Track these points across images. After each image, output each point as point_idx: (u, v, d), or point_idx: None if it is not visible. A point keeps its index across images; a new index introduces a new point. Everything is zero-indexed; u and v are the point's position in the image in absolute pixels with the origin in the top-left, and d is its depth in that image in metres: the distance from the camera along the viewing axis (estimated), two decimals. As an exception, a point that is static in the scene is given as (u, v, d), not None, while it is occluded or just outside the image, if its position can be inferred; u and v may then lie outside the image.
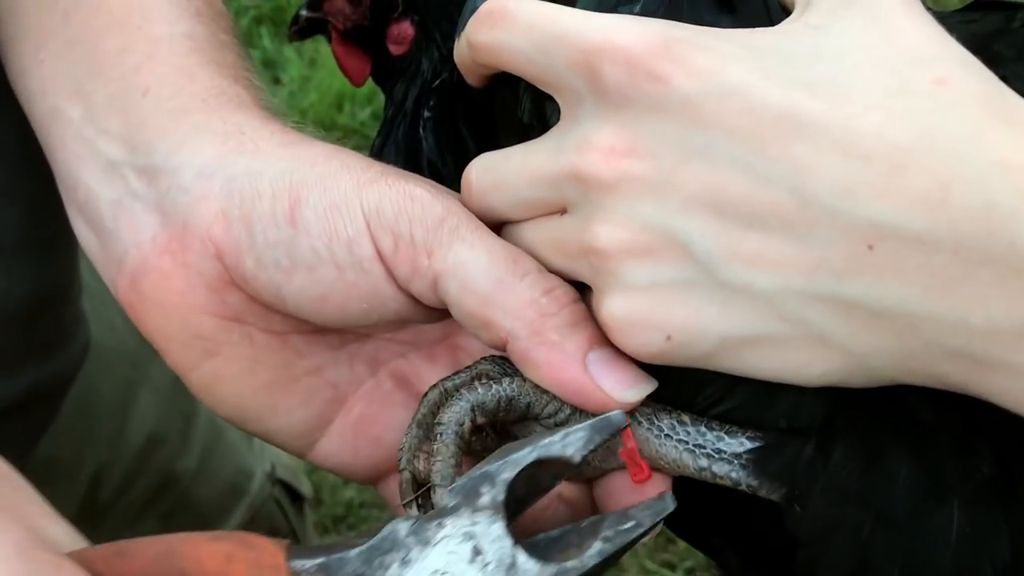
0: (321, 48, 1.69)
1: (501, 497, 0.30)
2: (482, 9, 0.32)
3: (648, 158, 0.28)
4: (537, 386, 0.33)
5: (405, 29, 0.42)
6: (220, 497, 0.86)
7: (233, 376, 0.37)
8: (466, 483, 0.31)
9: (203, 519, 0.83)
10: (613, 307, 0.30)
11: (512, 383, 0.34)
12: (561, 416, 0.34)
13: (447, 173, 0.40)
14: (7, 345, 0.54)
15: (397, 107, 0.42)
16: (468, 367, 0.36)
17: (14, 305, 0.52)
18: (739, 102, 0.27)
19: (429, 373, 0.39)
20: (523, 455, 0.31)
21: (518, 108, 0.34)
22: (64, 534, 0.30)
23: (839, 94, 0.27)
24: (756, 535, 0.31)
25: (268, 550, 0.31)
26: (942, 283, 0.25)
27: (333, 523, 1.38)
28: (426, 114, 0.41)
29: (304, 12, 0.44)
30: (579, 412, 0.33)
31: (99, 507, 0.77)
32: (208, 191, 0.35)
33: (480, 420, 0.34)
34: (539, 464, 0.31)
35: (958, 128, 0.26)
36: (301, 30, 0.45)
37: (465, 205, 0.34)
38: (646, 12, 0.31)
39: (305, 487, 0.96)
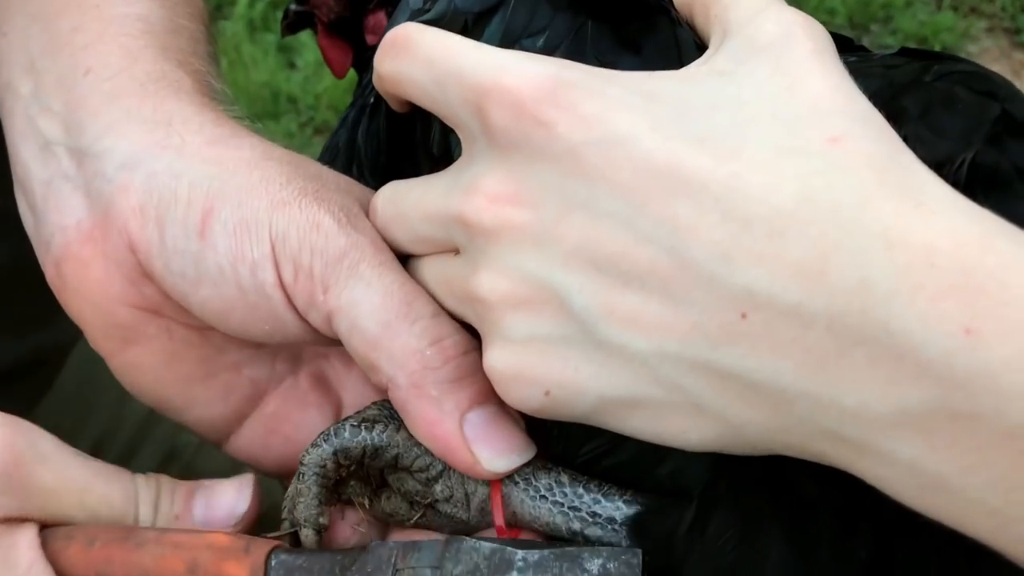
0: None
1: None
2: (388, 36, 0.31)
3: (530, 208, 0.27)
4: (410, 438, 0.33)
5: (380, 19, 0.42)
6: (223, 470, 0.85)
7: (152, 366, 0.37)
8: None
9: None
10: (494, 358, 0.29)
11: (384, 432, 0.33)
12: (432, 472, 0.33)
13: (366, 162, 0.40)
14: (9, 308, 0.55)
15: (360, 89, 0.42)
16: (356, 412, 0.35)
17: (6, 272, 0.53)
18: (623, 154, 0.26)
19: (347, 375, 0.39)
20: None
21: (429, 137, 0.33)
22: None
23: (729, 150, 0.25)
24: None
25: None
26: (815, 360, 0.24)
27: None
28: (371, 100, 0.40)
29: (293, 6, 0.45)
30: (450, 469, 0.33)
31: None
32: (129, 183, 0.35)
33: (344, 463, 0.33)
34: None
35: (844, 194, 0.24)
36: (291, 24, 0.46)
37: (375, 222, 0.34)
38: (549, 46, 0.30)
39: None
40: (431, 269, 0.32)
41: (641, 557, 0.29)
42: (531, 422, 0.32)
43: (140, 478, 0.38)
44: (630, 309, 0.26)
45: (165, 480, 0.38)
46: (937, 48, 1.90)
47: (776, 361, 0.24)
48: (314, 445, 0.33)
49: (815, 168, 0.24)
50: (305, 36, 1.84)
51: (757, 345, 0.24)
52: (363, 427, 0.33)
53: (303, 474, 0.33)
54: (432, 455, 0.32)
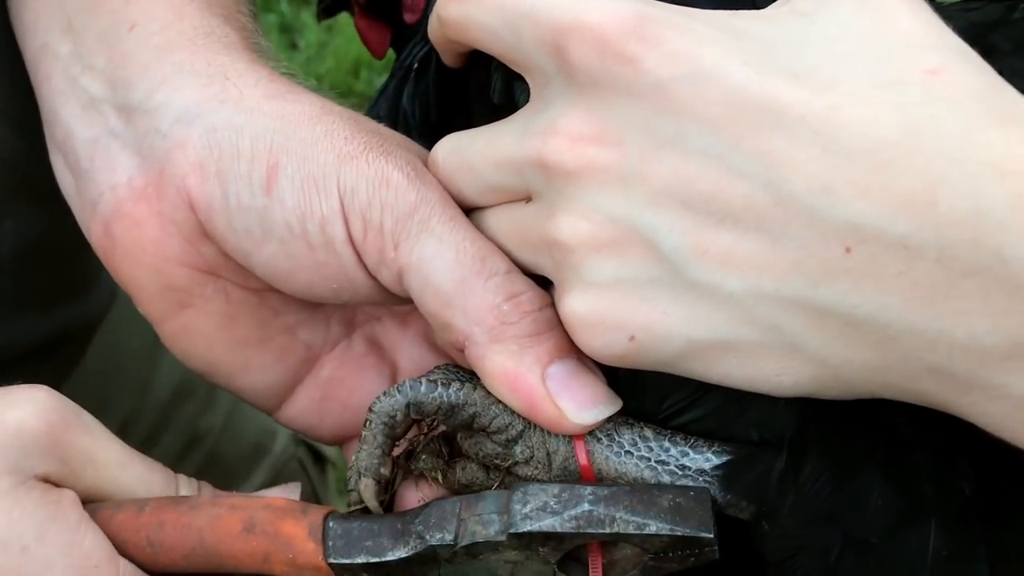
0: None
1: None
2: None
3: (615, 146, 0.26)
4: (487, 398, 0.32)
5: None
6: (245, 456, 0.85)
7: (205, 330, 0.36)
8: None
9: (228, 478, 0.82)
10: (574, 304, 0.28)
11: (460, 390, 0.32)
12: (512, 432, 0.32)
13: (414, 124, 0.39)
14: (38, 282, 0.54)
15: (400, 63, 0.42)
16: (423, 375, 0.34)
17: (36, 245, 0.52)
18: (714, 88, 0.25)
19: (401, 338, 0.38)
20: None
21: (489, 88, 0.32)
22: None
23: (823, 83, 0.24)
24: (725, 552, 0.29)
25: (306, 549, 0.31)
26: (924, 293, 0.23)
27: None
28: (415, 65, 0.39)
29: None
30: (532, 427, 0.31)
31: None
32: (187, 138, 0.33)
33: (416, 416, 0.32)
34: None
35: (949, 124, 0.23)
36: (327, 7, 0.45)
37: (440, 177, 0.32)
38: None
39: (328, 448, 0.96)
40: (501, 219, 0.31)
41: (710, 495, 0.29)
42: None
43: (182, 477, 0.37)
44: (724, 248, 0.25)
45: (207, 485, 0.37)
46: None
47: (882, 296, 0.23)
48: (386, 394, 0.32)
49: (917, 99, 0.24)
50: (307, 16, 1.84)
51: (861, 280, 0.24)
52: (439, 383, 0.32)
53: (370, 421, 0.32)
54: (511, 414, 0.31)
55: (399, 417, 0.32)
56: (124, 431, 0.72)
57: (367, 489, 0.32)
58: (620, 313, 0.27)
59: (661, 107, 0.25)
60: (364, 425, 0.32)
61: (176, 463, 0.75)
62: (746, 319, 0.26)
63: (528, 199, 0.30)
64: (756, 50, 0.25)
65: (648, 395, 0.30)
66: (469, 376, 0.33)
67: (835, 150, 0.24)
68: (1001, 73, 0.25)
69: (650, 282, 0.27)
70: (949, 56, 0.25)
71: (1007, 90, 0.24)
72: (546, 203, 0.28)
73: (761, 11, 0.27)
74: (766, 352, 0.26)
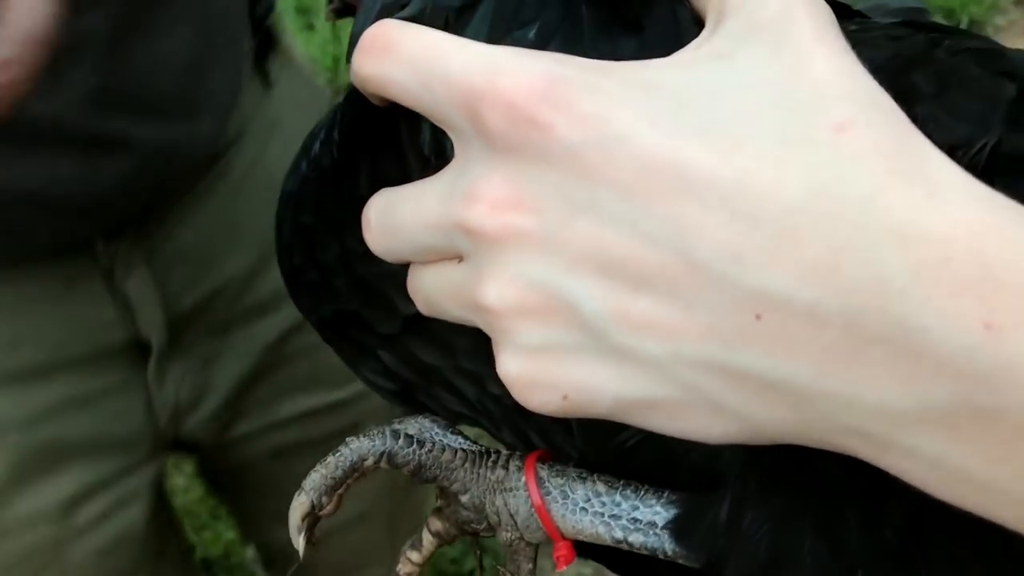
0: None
1: None
2: (365, 36, 0.29)
3: (534, 212, 0.26)
4: (452, 463, 0.33)
5: None
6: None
7: None
8: None
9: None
10: (508, 365, 0.28)
11: (431, 451, 0.33)
12: (473, 497, 0.33)
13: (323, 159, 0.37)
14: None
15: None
16: (403, 419, 0.35)
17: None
18: (624, 152, 0.24)
19: None
20: None
21: (419, 137, 0.32)
22: None
23: (733, 143, 0.24)
24: None
25: None
26: (834, 359, 0.24)
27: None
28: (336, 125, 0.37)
29: None
30: (494, 492, 0.33)
31: (187, 321, 0.78)
32: None
33: (383, 466, 0.33)
34: None
35: (853, 187, 0.23)
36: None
37: (365, 238, 0.32)
38: (542, 35, 0.28)
39: None
40: (434, 278, 0.31)
41: None
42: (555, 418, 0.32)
43: None
44: (641, 313, 0.26)
45: None
46: (965, 20, 1.87)
47: (794, 361, 0.24)
48: (366, 436, 0.33)
49: (823, 159, 0.24)
50: (323, -2, 1.85)
51: (773, 345, 0.24)
52: (415, 440, 0.33)
53: (341, 453, 0.33)
54: (473, 480, 0.33)
55: (370, 461, 0.33)
56: (212, 298, 0.77)
57: (300, 507, 0.33)
58: (551, 375, 0.28)
59: (575, 172, 0.25)
60: (332, 453, 0.33)
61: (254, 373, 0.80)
62: (668, 380, 0.26)
63: (459, 258, 0.29)
64: (667, 107, 0.25)
65: (596, 434, 0.32)
66: (448, 432, 0.35)
67: (743, 216, 0.24)
68: (916, 119, 0.24)
69: (576, 346, 0.27)
70: (860, 108, 0.24)
71: (918, 144, 0.24)
72: (474, 266, 0.28)
73: (678, 56, 0.27)
74: (691, 409, 0.27)
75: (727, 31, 0.27)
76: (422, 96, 0.28)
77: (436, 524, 0.35)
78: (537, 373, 0.28)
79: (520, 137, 0.26)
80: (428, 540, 0.35)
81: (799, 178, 0.23)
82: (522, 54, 0.27)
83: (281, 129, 0.79)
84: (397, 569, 0.35)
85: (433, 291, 0.31)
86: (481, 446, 0.35)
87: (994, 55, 0.28)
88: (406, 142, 0.32)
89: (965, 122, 0.26)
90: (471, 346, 0.34)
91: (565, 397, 0.28)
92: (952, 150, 0.24)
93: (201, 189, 0.75)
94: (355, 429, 0.91)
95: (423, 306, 0.31)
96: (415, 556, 0.35)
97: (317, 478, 0.33)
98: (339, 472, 0.33)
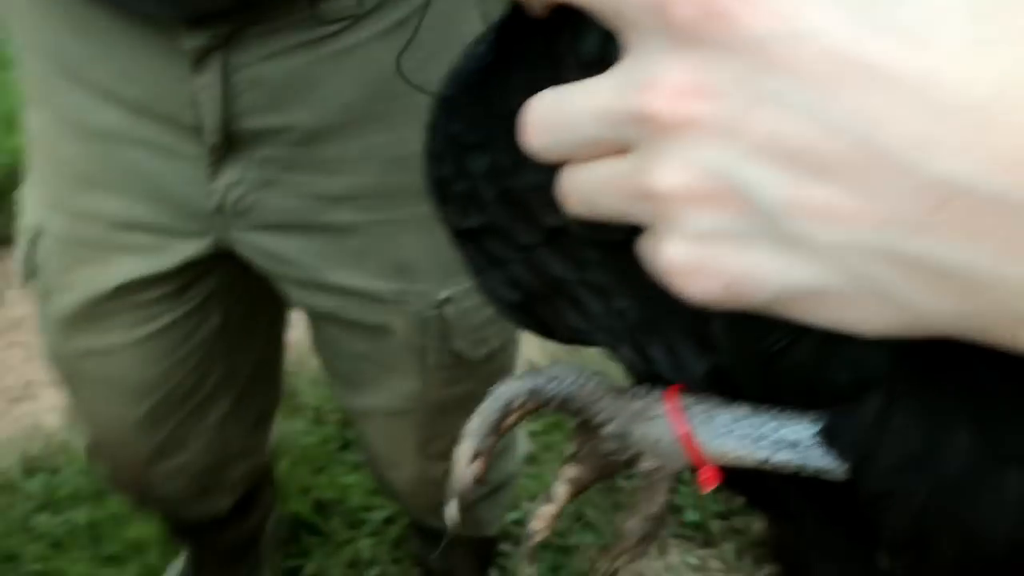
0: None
1: None
2: None
3: (715, 100, 0.27)
4: (594, 395, 0.34)
5: None
6: None
7: None
8: None
9: None
10: (670, 253, 0.29)
11: (573, 384, 0.34)
12: (616, 427, 0.34)
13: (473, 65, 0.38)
14: None
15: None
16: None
17: None
18: (811, 46, 0.25)
19: None
20: None
21: (580, 43, 0.32)
22: None
23: (923, 41, 0.25)
24: (828, 502, 0.31)
25: None
26: (1015, 247, 0.24)
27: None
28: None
29: None
30: (634, 423, 0.33)
31: (247, 140, 0.86)
32: None
33: (531, 405, 0.34)
34: None
35: None
36: None
37: (526, 139, 0.31)
38: None
39: None
40: (596, 172, 0.31)
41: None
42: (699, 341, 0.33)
43: None
44: (818, 201, 0.26)
45: None
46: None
47: (973, 249, 0.25)
48: (510, 380, 0.34)
49: (1016, 57, 0.24)
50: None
51: (954, 233, 0.25)
52: (557, 377, 0.34)
53: (491, 397, 0.34)
54: (616, 409, 0.34)
55: (516, 403, 0.34)
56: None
57: (464, 453, 0.34)
58: (716, 261, 0.28)
59: (759, 63, 0.26)
60: (483, 401, 0.35)
61: None
62: (838, 269, 0.27)
63: (623, 152, 0.30)
64: (855, 7, 0.26)
65: (749, 336, 0.32)
66: (588, 375, 0.35)
67: (933, 107, 0.24)
68: None
69: (746, 233, 0.27)
70: None
71: None
72: (644, 156, 0.29)
73: None
74: (856, 299, 0.27)
75: None
76: None
77: (571, 471, 0.35)
78: (702, 260, 0.28)
79: (706, 28, 0.26)
80: (562, 490, 0.35)
81: (991, 74, 0.24)
82: None
83: (408, 31, 0.80)
84: (530, 526, 0.35)
85: (592, 185, 0.31)
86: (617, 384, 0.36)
87: None
88: (566, 51, 0.32)
89: None
90: (602, 259, 0.34)
91: (727, 285, 0.28)
92: None
93: (298, 41, 0.81)
94: (381, 334, 0.94)
95: (577, 204, 0.31)
96: (548, 508, 0.35)
97: (474, 424, 0.34)
98: (493, 415, 0.34)
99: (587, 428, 0.34)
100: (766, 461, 0.32)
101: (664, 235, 0.29)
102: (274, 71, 0.82)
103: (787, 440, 0.31)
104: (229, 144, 0.85)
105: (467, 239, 0.38)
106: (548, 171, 0.31)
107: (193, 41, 0.80)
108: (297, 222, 0.91)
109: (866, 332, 0.28)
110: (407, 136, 0.81)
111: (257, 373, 1.14)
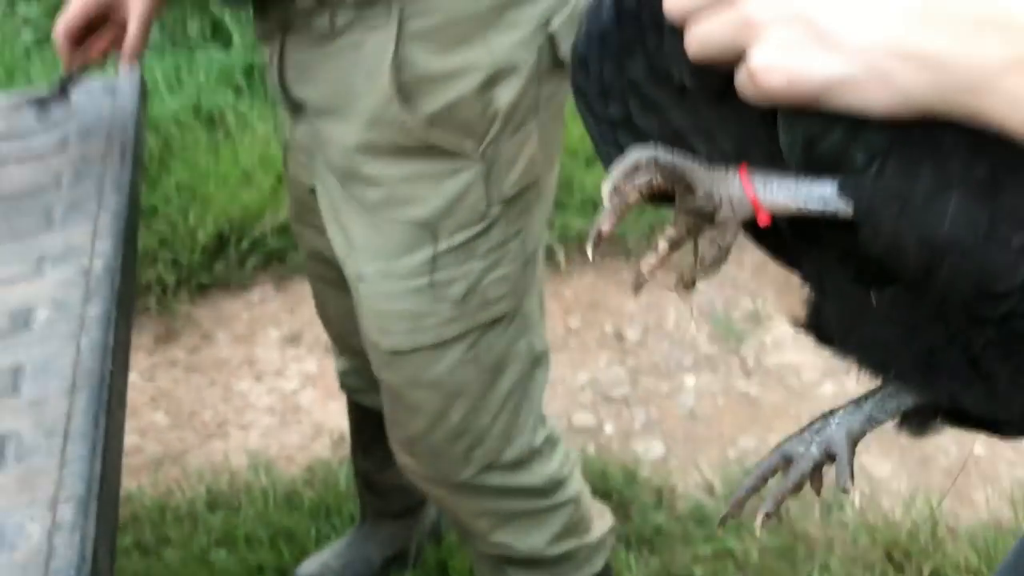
0: None
1: None
2: None
3: None
4: (693, 165, 0.47)
5: None
6: None
7: None
8: None
9: None
10: (756, 60, 0.44)
11: (688, 165, 0.47)
12: (706, 185, 0.47)
13: None
14: None
15: None
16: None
17: None
18: None
19: None
20: None
21: None
22: None
23: None
24: (840, 248, 0.47)
25: None
26: (964, 37, 0.40)
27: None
28: None
29: None
30: (716, 184, 0.46)
31: (299, 105, 1.12)
32: None
33: (656, 179, 0.46)
34: None
35: None
36: None
37: (665, 10, 0.47)
38: None
39: None
40: (708, 21, 0.45)
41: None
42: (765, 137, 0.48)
43: None
44: (852, 19, 0.42)
45: None
46: None
47: (939, 40, 0.40)
48: (635, 150, 0.47)
49: None
50: None
51: (931, 34, 0.40)
52: (666, 152, 0.47)
53: (625, 157, 0.47)
54: (705, 172, 0.47)
55: (643, 161, 0.47)
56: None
57: (605, 189, 0.47)
58: (785, 61, 0.43)
59: None
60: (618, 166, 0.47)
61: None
62: (860, 63, 0.42)
63: (729, 5, 0.45)
64: None
65: (800, 128, 0.46)
66: (678, 158, 0.47)
67: None
68: None
69: (805, 43, 0.43)
70: None
71: None
72: (741, 3, 0.44)
73: None
74: (869, 85, 0.42)
75: None
76: None
77: (669, 230, 0.48)
78: (775, 60, 0.43)
79: None
80: (662, 245, 0.48)
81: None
82: None
83: (360, 48, 1.04)
84: (639, 267, 0.49)
85: (710, 27, 0.45)
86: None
87: None
88: None
89: None
90: (708, 108, 0.49)
91: (790, 78, 0.43)
92: None
93: (305, 40, 1.05)
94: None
95: (696, 45, 0.46)
96: (652, 258, 0.49)
97: (613, 175, 0.47)
98: (628, 167, 0.47)
99: (685, 191, 0.47)
100: (803, 207, 0.45)
101: (753, 48, 0.44)
102: (302, 57, 1.07)
103: (817, 193, 0.45)
104: (293, 104, 1.11)
105: (609, 125, 0.53)
106: (678, 35, 0.47)
107: (261, 25, 1.10)
108: (319, 175, 1.13)
109: (875, 112, 0.43)
110: (359, 131, 1.04)
111: None
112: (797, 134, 0.46)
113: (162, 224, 2.34)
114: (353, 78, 1.03)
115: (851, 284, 0.49)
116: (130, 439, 1.92)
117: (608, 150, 0.53)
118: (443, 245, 1.07)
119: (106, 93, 1.37)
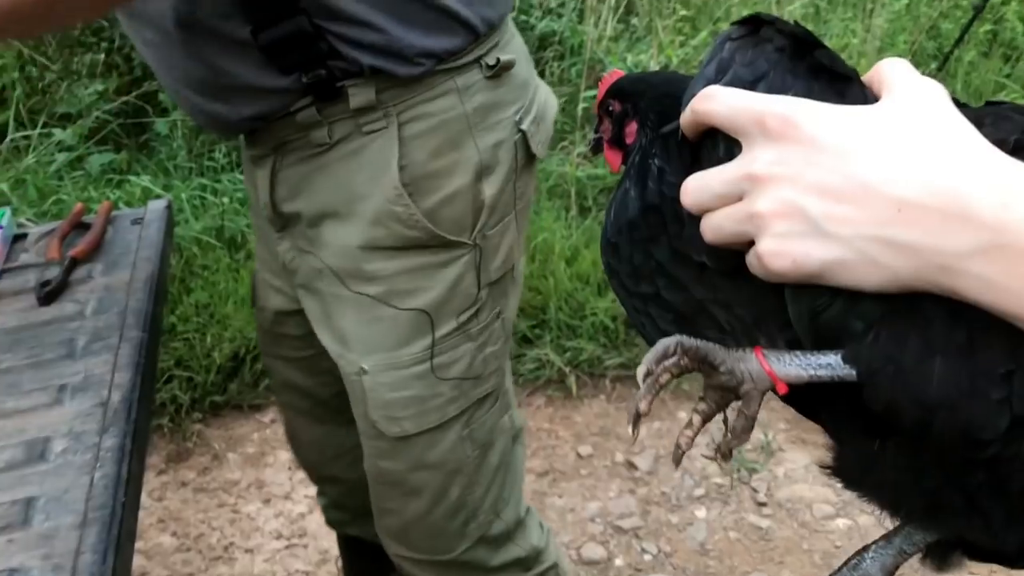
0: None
1: None
2: (700, 93, 0.54)
3: (787, 166, 0.50)
4: (712, 346, 0.53)
5: (633, 127, 0.67)
6: None
7: None
8: None
9: None
10: (763, 247, 0.50)
11: (699, 342, 0.53)
12: (728, 364, 0.53)
13: (665, 175, 0.61)
14: None
15: (626, 164, 0.66)
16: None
17: None
18: (833, 143, 0.49)
19: None
20: None
21: (716, 149, 0.55)
22: None
23: (885, 153, 0.48)
24: (849, 406, 0.52)
25: None
26: (932, 229, 0.46)
27: None
28: (656, 164, 0.61)
29: (592, 135, 0.72)
30: (737, 363, 0.53)
31: (289, 218, 1.19)
32: None
33: (674, 354, 0.53)
34: None
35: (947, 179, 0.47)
36: (594, 148, 0.72)
37: (683, 201, 0.54)
38: (798, 95, 0.52)
39: None
40: (721, 212, 0.52)
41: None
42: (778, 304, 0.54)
43: None
44: (839, 212, 0.48)
45: None
46: None
47: (915, 232, 0.46)
48: (665, 340, 0.54)
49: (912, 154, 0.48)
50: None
51: (905, 224, 0.47)
52: (691, 339, 0.54)
53: (655, 346, 0.54)
54: (726, 354, 0.53)
55: (671, 348, 0.54)
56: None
57: (640, 375, 0.53)
58: (788, 248, 0.49)
59: (810, 148, 0.49)
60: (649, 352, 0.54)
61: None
62: (851, 248, 0.48)
63: (739, 200, 0.52)
64: (850, 127, 0.49)
65: (805, 301, 0.52)
66: (701, 342, 0.54)
67: (892, 170, 0.48)
68: (982, 129, 0.49)
69: (803, 233, 0.49)
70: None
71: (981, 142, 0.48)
72: (751, 197, 0.51)
73: (861, 106, 0.51)
74: (860, 266, 0.48)
75: (889, 99, 0.51)
76: (732, 118, 0.52)
77: (702, 406, 0.55)
78: (779, 247, 0.49)
79: (784, 132, 0.50)
80: (696, 419, 0.54)
81: (901, 159, 0.48)
82: (784, 98, 0.52)
83: (361, 155, 1.10)
84: (678, 441, 0.55)
85: (722, 219, 0.52)
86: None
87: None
88: (707, 156, 0.56)
89: (1003, 132, 0.50)
90: (724, 282, 0.56)
91: (794, 261, 0.49)
92: (998, 143, 0.48)
93: (302, 156, 1.11)
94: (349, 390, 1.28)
95: (711, 233, 0.53)
96: (689, 431, 0.55)
97: (645, 360, 0.53)
98: (658, 352, 0.53)
99: (711, 370, 0.53)
100: (814, 375, 0.51)
101: (761, 238, 0.50)
102: (294, 173, 1.13)
103: (825, 363, 0.51)
104: (282, 221, 1.17)
105: (641, 299, 0.60)
106: (696, 223, 0.54)
107: (250, 150, 1.17)
108: (308, 284, 1.19)
109: (867, 287, 0.49)
110: (362, 230, 1.10)
111: None
112: (803, 306, 0.52)
113: (179, 344, 2.37)
114: (354, 182, 1.09)
115: (862, 435, 0.54)
116: (137, 561, 1.90)
117: (641, 320, 0.61)
118: (441, 330, 1.13)
119: (134, 223, 1.41)
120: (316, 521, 2.04)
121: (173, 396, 2.31)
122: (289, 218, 1.16)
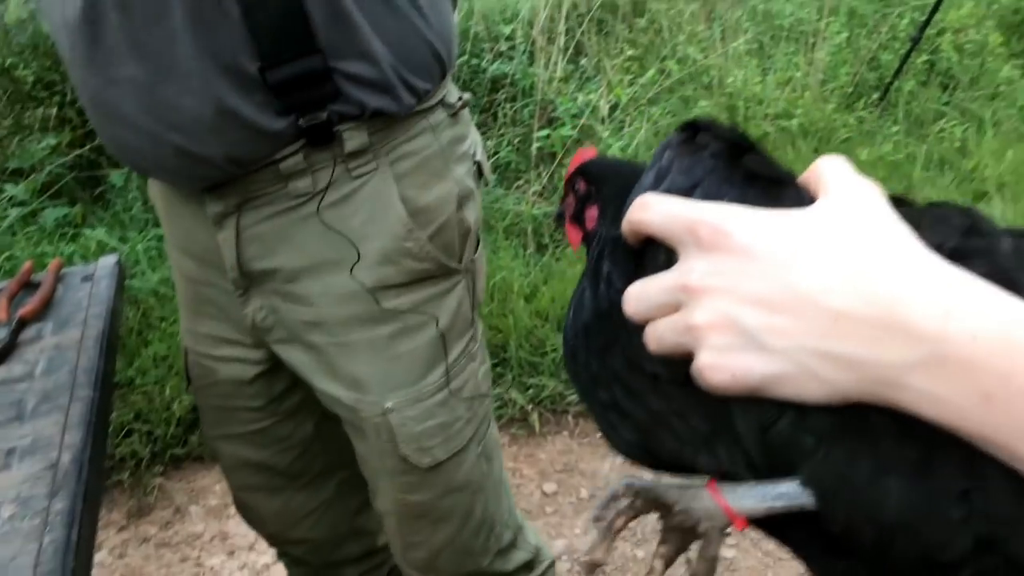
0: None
1: None
2: (638, 200, 0.53)
3: (722, 276, 0.48)
4: (666, 487, 0.51)
5: (593, 212, 0.67)
6: None
7: None
8: None
9: None
10: (703, 360, 0.48)
11: (650, 484, 0.52)
12: (684, 503, 0.51)
13: (615, 280, 0.61)
14: None
15: (588, 254, 0.66)
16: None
17: None
18: (766, 253, 0.47)
19: None
20: None
21: (657, 256, 0.54)
22: None
23: (820, 262, 0.46)
24: (810, 529, 0.49)
25: None
26: (872, 344, 0.44)
27: None
28: (606, 267, 0.60)
29: (557, 210, 0.72)
30: (693, 502, 0.50)
31: (256, 277, 1.14)
32: None
33: (628, 496, 0.53)
34: None
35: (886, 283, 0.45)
36: (556, 219, 0.73)
37: (625, 310, 0.53)
38: (708, 196, 0.53)
39: None
40: (664, 322, 0.51)
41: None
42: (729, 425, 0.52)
43: None
44: (776, 325, 0.46)
45: None
46: None
47: (850, 344, 0.44)
48: (618, 483, 0.53)
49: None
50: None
51: (842, 338, 0.45)
52: (643, 481, 0.53)
53: (608, 491, 0.53)
54: (680, 493, 0.51)
55: (621, 491, 0.53)
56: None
57: (594, 528, 0.52)
58: (725, 361, 0.47)
59: (742, 259, 0.48)
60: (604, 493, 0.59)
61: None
62: (789, 361, 0.46)
63: (676, 310, 0.50)
64: (783, 234, 0.47)
65: (753, 415, 0.50)
66: (660, 480, 0.52)
67: (830, 283, 0.46)
68: (920, 232, 0.48)
69: (740, 345, 0.47)
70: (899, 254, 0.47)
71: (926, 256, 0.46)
72: (688, 309, 0.49)
73: (798, 210, 0.49)
74: (801, 378, 0.46)
75: (826, 202, 0.49)
76: (667, 227, 0.51)
77: (661, 548, 0.53)
78: (718, 361, 0.48)
79: (716, 241, 0.48)
80: (658, 564, 0.53)
81: (840, 271, 0.46)
82: (717, 206, 0.50)
83: (348, 203, 1.09)
84: None
85: (662, 329, 0.51)
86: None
87: (967, 213, 0.51)
88: (649, 263, 0.55)
89: (941, 235, 0.48)
90: (678, 392, 0.54)
91: (733, 375, 0.47)
92: (936, 247, 0.46)
93: (279, 208, 1.07)
94: (362, 436, 1.24)
95: (654, 343, 0.51)
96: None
97: (597, 503, 0.53)
98: (607, 497, 0.53)
99: (665, 511, 0.52)
100: (771, 507, 0.49)
101: (700, 351, 0.48)
102: (266, 229, 1.09)
103: (780, 492, 0.49)
104: (250, 280, 1.13)
105: (601, 406, 0.58)
106: (641, 332, 0.52)
107: (214, 208, 1.09)
108: (295, 339, 1.16)
109: (811, 400, 0.47)
110: (371, 271, 1.09)
111: (354, 470, 1.29)
112: (751, 420, 0.49)
113: (138, 397, 2.35)
114: (348, 227, 1.07)
115: (828, 555, 0.51)
116: (96, 622, 1.87)
117: (604, 427, 0.58)
118: (452, 355, 1.18)
119: (84, 280, 1.41)
120: (280, 572, 2.02)
121: (133, 450, 2.29)
122: (257, 276, 1.13)
